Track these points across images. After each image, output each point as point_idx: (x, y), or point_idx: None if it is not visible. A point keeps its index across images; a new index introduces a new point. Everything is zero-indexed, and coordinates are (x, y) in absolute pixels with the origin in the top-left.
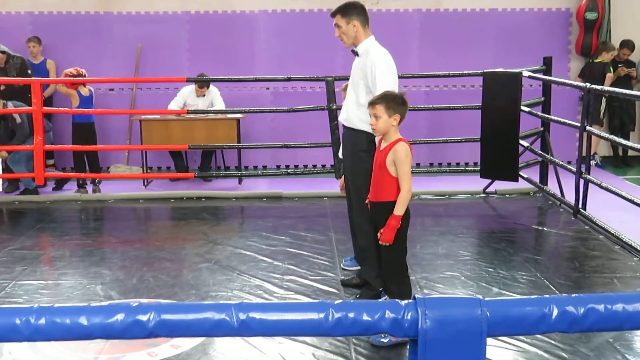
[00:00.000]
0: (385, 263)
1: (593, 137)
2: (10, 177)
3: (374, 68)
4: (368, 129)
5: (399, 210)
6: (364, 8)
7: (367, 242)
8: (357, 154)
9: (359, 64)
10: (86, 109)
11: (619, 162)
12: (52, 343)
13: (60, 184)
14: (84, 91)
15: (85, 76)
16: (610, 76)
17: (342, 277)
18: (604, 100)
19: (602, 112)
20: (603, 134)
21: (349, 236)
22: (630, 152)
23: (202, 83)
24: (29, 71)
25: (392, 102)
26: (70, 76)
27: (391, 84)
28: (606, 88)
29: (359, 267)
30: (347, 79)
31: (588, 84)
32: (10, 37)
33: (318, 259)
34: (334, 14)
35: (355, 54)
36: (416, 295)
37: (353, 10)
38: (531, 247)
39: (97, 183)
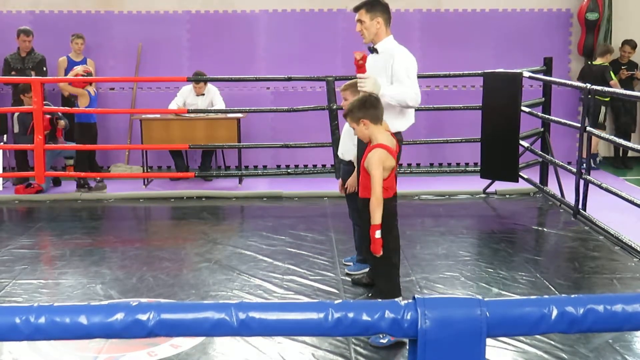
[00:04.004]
0: (374, 260)
1: (593, 137)
2: (10, 177)
3: (401, 69)
4: (387, 126)
5: (374, 219)
6: (388, 6)
7: None
8: None
9: (379, 63)
10: (88, 109)
11: (619, 163)
12: (52, 342)
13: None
14: (91, 91)
15: (92, 75)
16: (614, 83)
17: (346, 272)
18: (603, 108)
19: (602, 117)
20: (603, 134)
21: (349, 236)
22: (630, 153)
23: (199, 80)
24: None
25: (355, 109)
26: (80, 75)
27: (413, 86)
28: (607, 89)
29: (363, 272)
30: (347, 79)
31: (588, 85)
32: (11, 36)
33: (318, 259)
34: (358, 8)
35: (374, 51)
36: (416, 296)
37: (379, 7)
38: (531, 248)
39: (99, 179)
